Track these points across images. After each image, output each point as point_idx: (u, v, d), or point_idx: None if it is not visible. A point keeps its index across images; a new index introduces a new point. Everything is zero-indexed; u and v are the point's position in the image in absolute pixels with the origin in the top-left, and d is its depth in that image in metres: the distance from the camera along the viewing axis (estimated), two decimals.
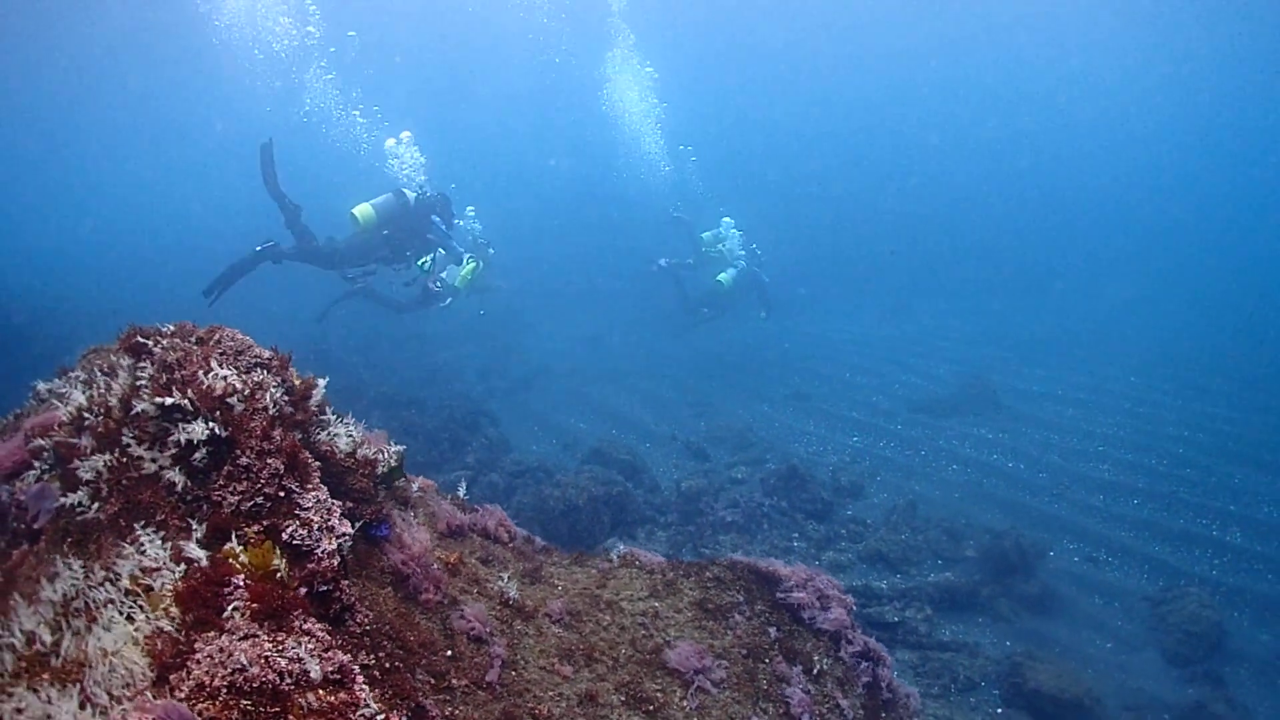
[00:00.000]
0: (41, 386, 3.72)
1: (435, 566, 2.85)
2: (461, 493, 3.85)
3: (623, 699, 2.97)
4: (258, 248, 11.11)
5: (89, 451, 2.49)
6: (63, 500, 2.38)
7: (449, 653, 2.48)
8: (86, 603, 2.18)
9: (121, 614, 1.96)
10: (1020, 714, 6.68)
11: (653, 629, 3.41)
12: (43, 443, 2.74)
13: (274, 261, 11.33)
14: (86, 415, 2.44)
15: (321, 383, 2.65)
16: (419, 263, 12.52)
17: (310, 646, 1.61)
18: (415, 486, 3.48)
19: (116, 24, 30.89)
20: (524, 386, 16.31)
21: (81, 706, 1.52)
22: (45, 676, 1.95)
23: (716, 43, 46.46)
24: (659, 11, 35.58)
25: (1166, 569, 9.10)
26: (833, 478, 11.04)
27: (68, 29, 31.14)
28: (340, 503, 2.32)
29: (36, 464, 2.74)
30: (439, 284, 12.89)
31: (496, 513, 3.81)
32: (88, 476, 2.36)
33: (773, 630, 3.71)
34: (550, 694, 2.75)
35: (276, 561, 1.82)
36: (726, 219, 18.78)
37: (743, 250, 17.90)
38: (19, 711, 1.61)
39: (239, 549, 1.85)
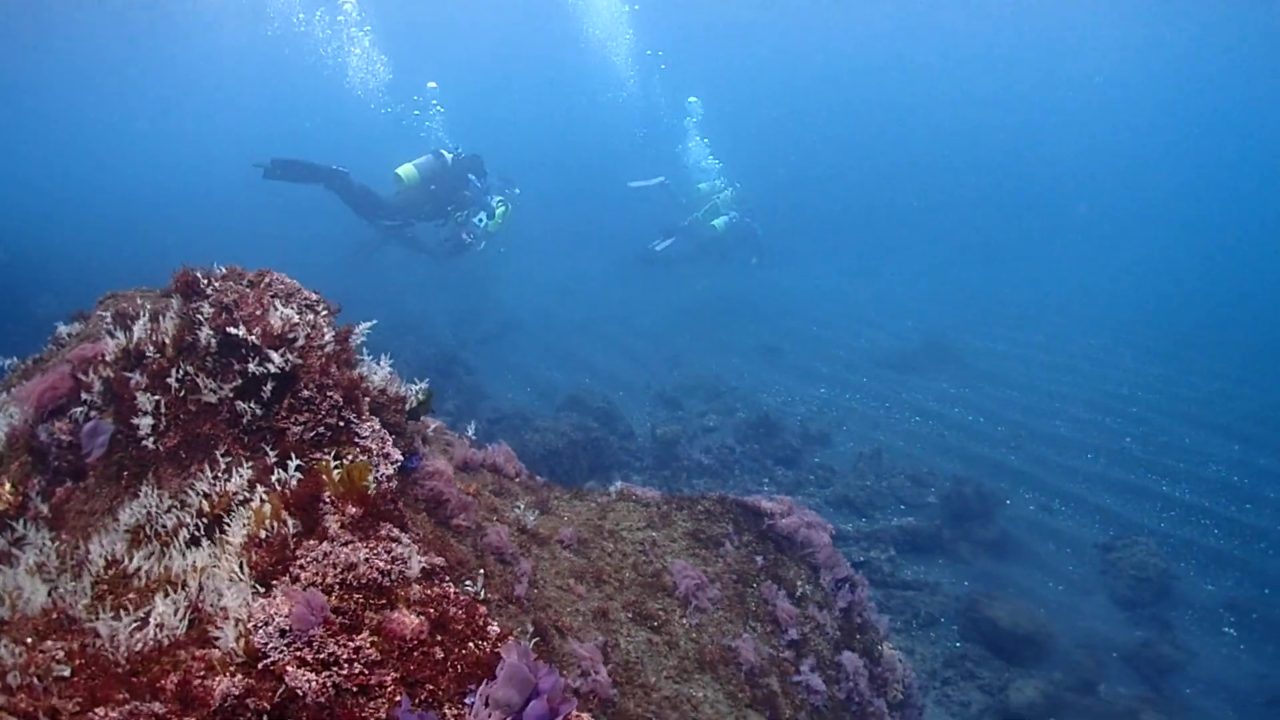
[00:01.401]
0: (62, 329, 3.83)
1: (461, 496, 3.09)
2: (470, 432, 4.07)
3: (630, 616, 3.26)
4: (335, 166, 11.81)
5: (144, 386, 2.66)
6: (127, 430, 2.56)
7: (482, 571, 2.73)
8: (158, 529, 2.37)
9: (204, 534, 2.16)
10: (977, 647, 7.16)
11: (652, 555, 3.70)
12: (91, 377, 2.89)
13: (326, 186, 11.86)
14: (147, 349, 2.61)
15: (361, 326, 2.85)
16: (457, 215, 13.74)
17: (403, 549, 1.84)
18: (431, 425, 3.70)
19: None
20: (496, 337, 16.44)
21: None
22: (132, 596, 2.13)
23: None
24: None
25: (1117, 520, 9.63)
26: (801, 427, 11.43)
27: None
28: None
29: (85, 397, 2.89)
30: (470, 235, 13.88)
31: (504, 449, 4.05)
32: (148, 408, 2.54)
33: (759, 559, 4.02)
34: (569, 609, 3.03)
35: (369, 479, 2.04)
36: (692, 99, 19.31)
37: (734, 198, 18.45)
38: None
39: (332, 465, 2.07)
